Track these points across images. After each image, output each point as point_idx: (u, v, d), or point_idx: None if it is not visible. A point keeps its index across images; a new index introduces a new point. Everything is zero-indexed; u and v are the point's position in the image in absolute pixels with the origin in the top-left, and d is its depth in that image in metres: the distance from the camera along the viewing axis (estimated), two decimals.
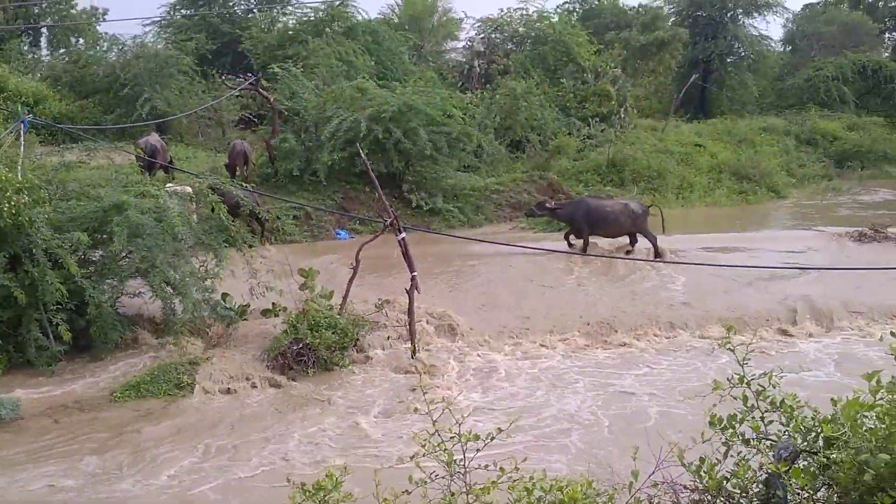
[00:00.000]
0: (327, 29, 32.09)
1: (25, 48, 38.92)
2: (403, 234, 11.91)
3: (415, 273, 11.73)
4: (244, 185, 15.00)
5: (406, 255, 11.85)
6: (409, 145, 20.37)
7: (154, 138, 20.95)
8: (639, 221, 16.83)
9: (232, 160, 21.32)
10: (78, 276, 10.47)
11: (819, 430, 3.89)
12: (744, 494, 3.94)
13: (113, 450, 8.78)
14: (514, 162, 26.46)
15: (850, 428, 3.72)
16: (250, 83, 23.89)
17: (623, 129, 31.26)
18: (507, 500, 3.82)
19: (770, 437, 4.10)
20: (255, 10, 37.79)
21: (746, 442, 4.10)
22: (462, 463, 4.00)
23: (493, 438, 4.10)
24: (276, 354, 11.08)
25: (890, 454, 3.44)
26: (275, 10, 37.40)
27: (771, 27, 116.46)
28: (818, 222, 22.09)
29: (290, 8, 37.94)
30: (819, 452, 3.79)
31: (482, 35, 36.91)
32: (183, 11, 37.69)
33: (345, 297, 12.02)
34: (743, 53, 48.96)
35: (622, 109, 32.50)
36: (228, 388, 10.46)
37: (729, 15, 48.29)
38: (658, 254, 16.55)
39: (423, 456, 4.00)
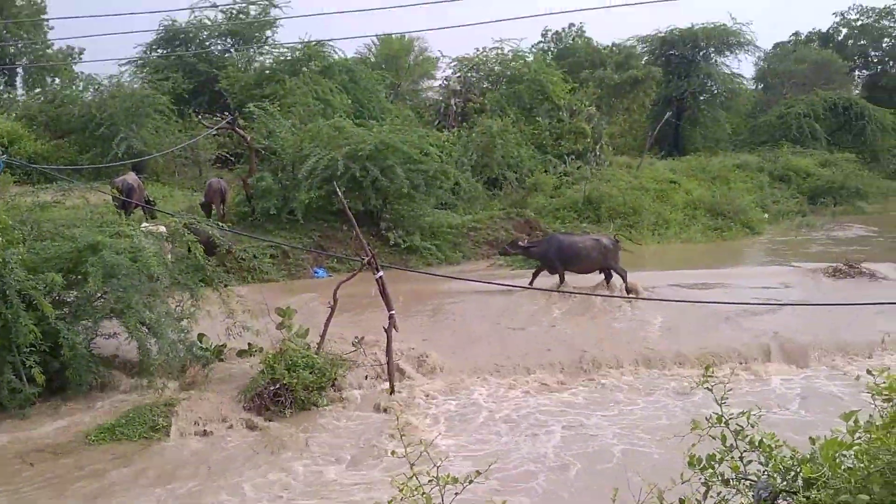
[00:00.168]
0: (304, 68, 32.24)
1: (0, 88, 38.85)
2: (381, 273, 11.89)
3: (392, 311, 11.71)
4: (220, 223, 14.94)
5: (384, 293, 11.83)
6: (386, 183, 20.41)
7: (131, 177, 20.89)
8: (610, 256, 16.92)
9: (209, 198, 21.32)
10: (52, 318, 10.32)
11: (798, 470, 3.88)
12: None
13: (72, 496, 8.62)
14: (491, 199, 26.60)
15: (829, 468, 3.71)
16: (227, 122, 23.93)
17: (599, 166, 31.51)
18: None
19: (749, 477, 4.08)
20: (231, 50, 37.93)
21: (726, 482, 4.08)
22: None
23: (471, 482, 4.06)
24: (253, 395, 10.96)
25: (869, 495, 3.44)
26: (252, 50, 37.58)
27: (743, 65, 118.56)
28: (793, 258, 22.28)
29: (266, 48, 38.20)
30: (799, 492, 3.78)
31: (458, 74, 37.19)
32: (159, 51, 37.77)
33: (322, 337, 11.96)
34: (716, 91, 49.67)
35: (597, 147, 32.78)
36: (205, 430, 10.31)
37: (701, 53, 49.00)
38: (628, 289, 16.63)
39: (402, 501, 3.95)
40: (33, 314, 10.34)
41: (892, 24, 63.90)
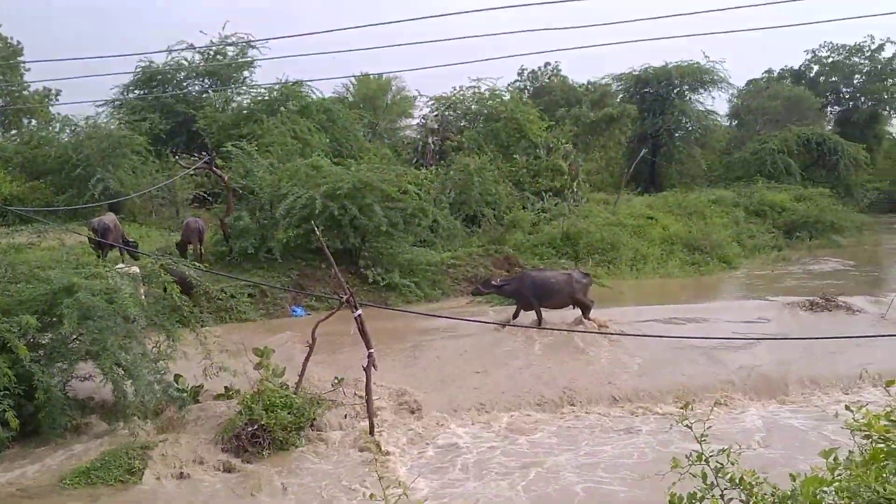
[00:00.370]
0: (282, 108, 32.37)
1: None
2: (360, 311, 11.84)
3: (371, 350, 11.64)
4: (198, 263, 14.87)
5: (363, 331, 11.77)
6: (364, 221, 20.40)
7: (108, 218, 20.77)
8: (580, 290, 16.97)
9: (186, 237, 21.25)
10: (27, 361, 10.19)
11: None
12: None
13: None
14: (469, 236, 26.64)
15: None
16: (204, 162, 23.89)
17: (576, 202, 31.69)
18: None
19: None
20: (209, 91, 38.01)
21: None
22: None
23: None
24: (231, 436, 10.84)
25: None
26: (229, 90, 37.67)
27: (717, 102, 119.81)
28: (770, 292, 22.40)
29: (244, 88, 38.30)
30: None
31: (436, 112, 37.46)
32: (136, 92, 37.80)
33: (300, 376, 11.87)
34: (690, 128, 50.29)
35: (575, 184, 32.98)
36: (181, 473, 10.17)
37: (675, 91, 49.66)
38: (584, 321, 16.84)
39: None
40: (7, 357, 10.21)
41: (862, 61, 65.07)
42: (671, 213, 33.26)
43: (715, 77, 49.32)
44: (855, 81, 65.44)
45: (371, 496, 4.54)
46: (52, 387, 10.51)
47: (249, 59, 38.24)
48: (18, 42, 45.16)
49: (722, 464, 4.29)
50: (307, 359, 11.99)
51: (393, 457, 10.64)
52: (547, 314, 17.26)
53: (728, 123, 59.38)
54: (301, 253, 21.14)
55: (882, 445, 3.96)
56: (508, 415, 12.27)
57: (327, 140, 30.56)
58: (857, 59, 65.32)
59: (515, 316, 17.14)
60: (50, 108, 41.40)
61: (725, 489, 4.16)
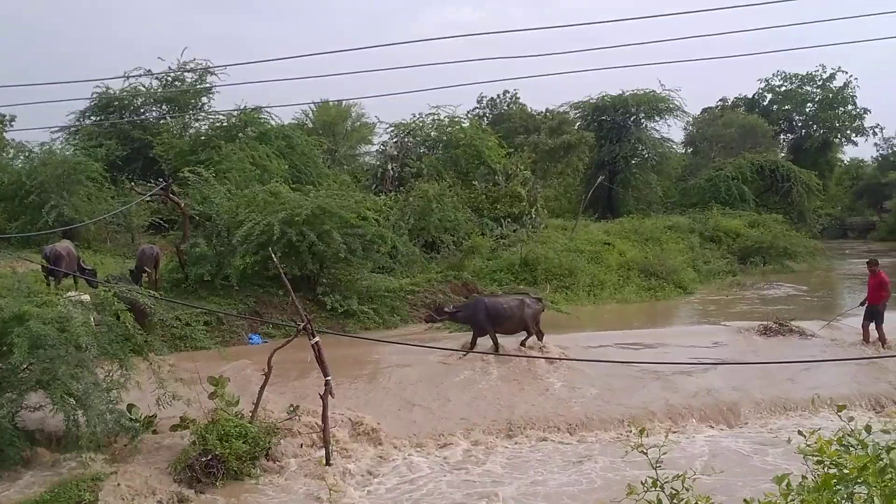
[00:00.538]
0: (240, 134, 32.22)
1: None
2: (317, 338, 11.75)
3: (329, 377, 11.54)
4: (152, 291, 14.66)
5: (320, 359, 11.67)
6: (323, 248, 20.29)
7: (61, 245, 20.43)
8: (532, 315, 17.01)
9: (141, 264, 20.98)
10: None
11: None
12: None
13: None
14: (428, 262, 26.65)
15: None
16: (161, 188, 23.64)
17: (534, 228, 31.92)
18: None
19: None
20: (167, 117, 37.75)
21: None
22: None
23: None
24: (184, 467, 10.65)
25: None
26: (187, 117, 37.44)
27: (672, 130, 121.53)
28: (725, 317, 22.65)
29: (202, 114, 38.09)
30: None
31: (395, 139, 37.57)
32: (93, 118, 37.44)
33: (256, 405, 11.72)
34: (646, 155, 50.99)
35: (533, 210, 33.23)
36: None
37: (632, 119, 50.37)
38: (528, 346, 16.99)
39: None
40: None
41: (814, 90, 66.51)
42: (628, 239, 33.62)
43: (670, 105, 50.13)
44: (807, 110, 66.89)
45: None
46: (1, 418, 10.28)
47: (208, 85, 38.09)
48: None
49: (677, 490, 4.29)
50: (263, 387, 11.85)
51: (349, 486, 10.53)
52: (504, 340, 17.26)
53: (683, 151, 60.32)
54: (258, 280, 20.99)
55: (834, 471, 3.98)
56: (465, 442, 12.20)
57: (286, 166, 30.44)
58: (809, 88, 66.79)
59: (473, 342, 17.08)
60: (4, 134, 40.82)
61: None
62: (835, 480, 3.90)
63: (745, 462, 11.18)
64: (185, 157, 31.05)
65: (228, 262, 20.35)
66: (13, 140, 35.42)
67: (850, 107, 66.22)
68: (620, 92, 49.92)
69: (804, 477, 4.10)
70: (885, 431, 4.22)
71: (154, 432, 12.02)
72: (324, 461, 11.16)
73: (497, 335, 17.05)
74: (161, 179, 25.88)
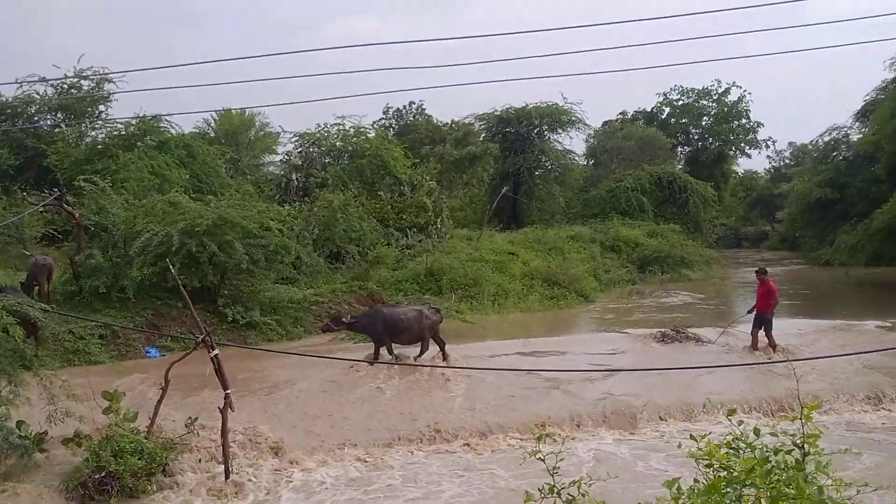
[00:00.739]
0: (139, 143, 31.45)
1: None
2: (216, 351, 11.52)
3: (228, 391, 11.32)
4: (44, 304, 14.17)
5: (219, 372, 11.43)
6: (224, 259, 19.94)
7: None
8: (430, 326, 17.03)
9: (33, 276, 20.26)
10: None
11: None
12: None
13: None
14: (333, 273, 26.51)
15: None
16: (54, 198, 22.87)
17: (440, 239, 32.05)
18: None
19: None
20: (62, 125, 36.60)
21: None
22: None
23: None
24: (76, 485, 10.29)
25: None
26: (83, 125, 36.36)
27: (574, 142, 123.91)
28: (625, 325, 23.14)
29: (100, 122, 37.05)
30: None
31: (300, 149, 37.23)
32: None
33: (153, 420, 11.41)
34: (550, 167, 51.80)
35: (438, 220, 33.39)
36: None
37: (535, 131, 51.14)
38: (444, 358, 16.91)
39: None
40: None
41: (710, 104, 68.84)
42: (532, 249, 34.05)
43: (573, 118, 51.06)
44: (703, 123, 69.23)
45: None
46: None
47: (106, 93, 37.12)
48: None
49: (573, 496, 4.35)
50: (160, 401, 11.55)
51: (248, 501, 10.35)
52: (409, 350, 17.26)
53: (585, 162, 61.50)
54: (157, 292, 20.48)
55: (724, 474, 4.09)
56: (365, 453, 12.10)
57: (187, 176, 29.87)
58: (705, 102, 69.14)
59: (376, 353, 17.01)
60: None
61: None
62: (724, 483, 4.01)
63: (629, 468, 11.36)
64: (80, 166, 30.12)
65: (125, 273, 19.81)
66: None
67: (744, 120, 68.80)
68: (524, 104, 50.64)
69: (696, 480, 4.20)
70: (774, 434, 4.34)
71: (44, 450, 11.60)
72: (223, 476, 10.95)
73: (398, 345, 17.07)
74: (55, 189, 25.04)
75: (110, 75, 36.31)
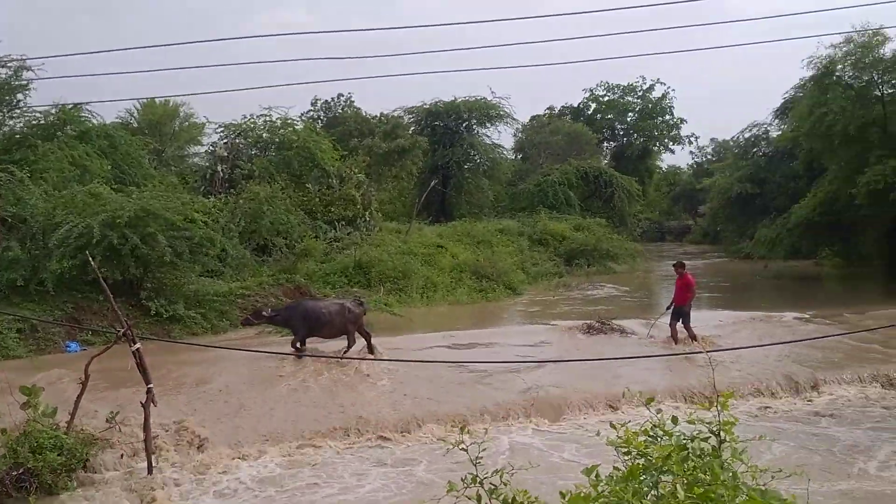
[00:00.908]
0: (59, 133, 30.57)
1: None
2: (138, 345, 11.29)
3: (150, 385, 11.12)
4: None
5: (141, 366, 11.22)
6: (147, 251, 19.56)
7: None
8: (353, 320, 16.91)
9: None
10: None
11: None
12: None
13: None
14: (260, 266, 26.24)
15: None
16: None
17: (369, 231, 32.00)
18: None
19: None
20: None
21: None
22: None
23: None
24: None
25: None
26: (0, 114, 35.15)
27: (503, 136, 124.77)
28: (551, 317, 23.41)
29: (17, 111, 35.86)
30: None
31: (225, 140, 36.62)
32: None
33: (72, 415, 11.14)
34: (478, 160, 52.08)
35: (367, 213, 33.32)
36: None
37: (464, 125, 51.33)
38: (371, 350, 16.77)
39: None
40: None
41: (635, 100, 70.09)
42: (460, 242, 34.25)
43: (501, 112, 51.42)
44: (628, 119, 70.50)
45: None
46: None
47: (24, 81, 35.90)
48: None
49: (495, 485, 4.38)
50: (80, 396, 11.27)
51: (171, 498, 10.18)
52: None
53: (513, 157, 61.98)
54: (77, 285, 19.97)
55: (642, 461, 4.17)
56: (290, 447, 12.00)
57: (108, 167, 29.12)
58: (629, 98, 70.33)
59: (294, 344, 16.77)
60: None
61: None
62: (641, 470, 4.09)
63: (543, 458, 11.46)
64: None
65: (44, 266, 19.29)
66: None
67: (667, 117, 70.20)
68: (453, 98, 50.78)
69: (615, 468, 4.27)
70: (691, 422, 4.43)
71: None
72: (146, 472, 10.75)
73: (322, 338, 16.98)
74: None
75: (28, 62, 35.17)
